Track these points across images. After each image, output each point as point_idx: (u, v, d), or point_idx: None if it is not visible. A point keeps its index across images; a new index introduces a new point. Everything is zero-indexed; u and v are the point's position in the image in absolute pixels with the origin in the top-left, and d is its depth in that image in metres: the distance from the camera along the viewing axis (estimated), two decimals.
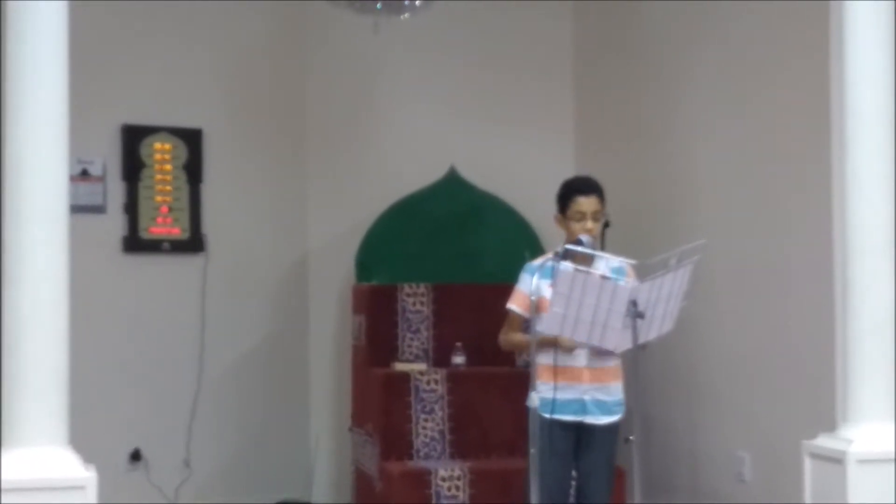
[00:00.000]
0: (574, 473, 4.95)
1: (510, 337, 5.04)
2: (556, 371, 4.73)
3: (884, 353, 4.89)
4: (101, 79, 6.63)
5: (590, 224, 4.87)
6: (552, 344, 4.69)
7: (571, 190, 4.96)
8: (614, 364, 4.90)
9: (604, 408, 4.88)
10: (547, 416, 4.65)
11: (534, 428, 4.40)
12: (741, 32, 6.29)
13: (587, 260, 4.73)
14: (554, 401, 4.72)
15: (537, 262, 4.96)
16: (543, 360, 4.70)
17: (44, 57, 4.23)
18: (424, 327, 6.81)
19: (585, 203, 4.90)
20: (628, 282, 4.62)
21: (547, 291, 4.53)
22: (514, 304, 4.97)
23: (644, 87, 7.09)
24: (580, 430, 4.87)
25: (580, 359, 4.82)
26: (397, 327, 6.79)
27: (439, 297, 6.84)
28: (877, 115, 4.91)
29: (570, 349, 4.75)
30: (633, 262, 4.60)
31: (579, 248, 4.69)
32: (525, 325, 4.99)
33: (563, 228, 4.97)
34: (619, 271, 4.83)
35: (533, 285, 4.44)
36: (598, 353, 4.80)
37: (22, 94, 4.22)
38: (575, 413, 4.83)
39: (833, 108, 5.32)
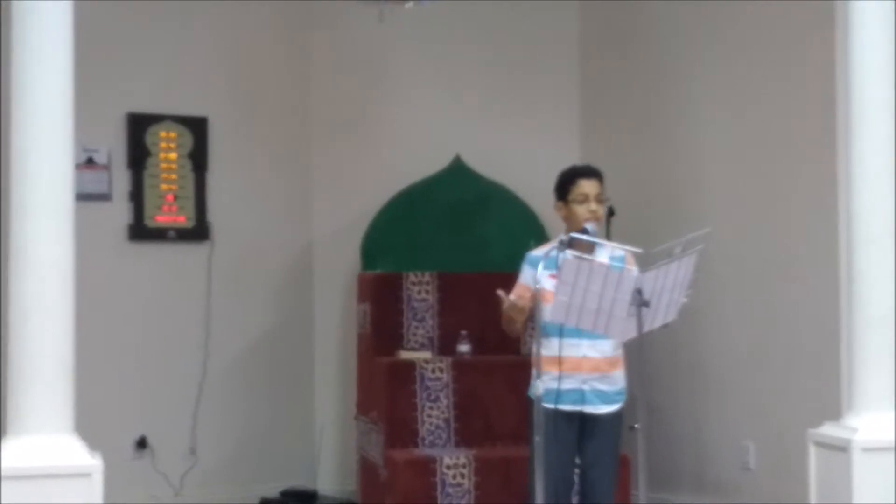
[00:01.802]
0: (578, 462, 4.95)
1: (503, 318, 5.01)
2: (569, 361, 4.73)
3: (888, 342, 4.89)
4: (106, 67, 6.63)
5: (594, 206, 4.83)
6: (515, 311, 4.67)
7: (572, 174, 4.92)
8: (616, 353, 4.89)
9: (604, 397, 4.86)
10: (551, 406, 4.64)
11: (538, 416, 4.40)
12: (747, 26, 6.29)
13: (588, 248, 4.72)
14: (558, 391, 4.71)
15: (537, 251, 4.94)
16: (548, 350, 4.69)
17: (49, 45, 4.24)
18: (429, 316, 6.81)
19: (588, 185, 4.86)
20: (630, 269, 4.61)
21: (548, 283, 4.53)
22: (514, 296, 4.95)
23: (650, 78, 7.08)
24: (582, 419, 4.86)
25: (582, 348, 4.80)
26: (402, 316, 6.79)
27: (444, 286, 6.84)
28: (882, 109, 4.92)
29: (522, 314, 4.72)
30: (638, 250, 4.59)
31: (585, 237, 4.68)
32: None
33: (564, 215, 4.93)
34: (618, 259, 4.82)
35: (538, 274, 4.44)
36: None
37: (28, 82, 4.23)
38: (574, 403, 4.81)
39: (839, 101, 5.33)
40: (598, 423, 4.87)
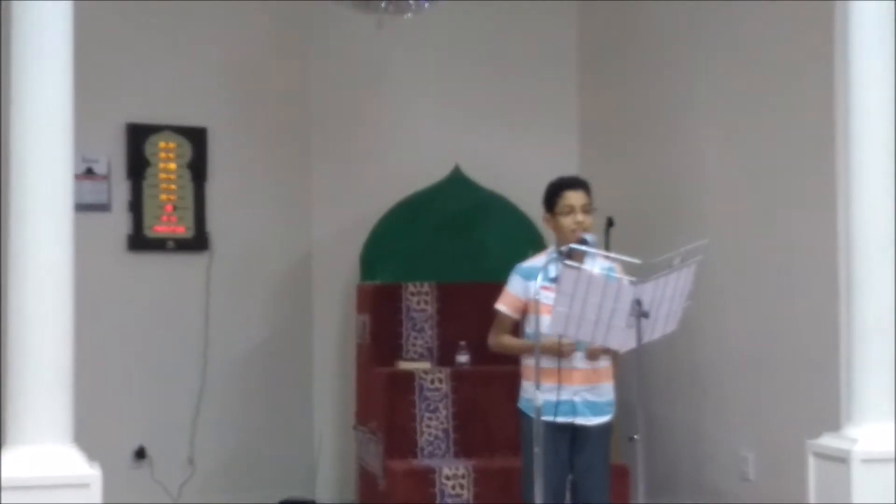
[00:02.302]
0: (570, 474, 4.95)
1: (503, 340, 4.98)
2: (560, 372, 4.73)
3: (888, 351, 4.88)
4: (105, 77, 6.64)
5: (580, 216, 4.84)
6: (554, 352, 4.67)
7: (558, 186, 4.93)
8: (605, 365, 4.89)
9: (594, 409, 4.87)
10: (549, 419, 4.65)
11: (538, 428, 4.40)
12: (746, 32, 6.29)
13: (580, 257, 4.72)
14: (557, 403, 4.72)
15: (527, 263, 4.96)
16: (546, 362, 4.69)
17: (49, 55, 4.24)
18: (428, 326, 6.81)
19: (574, 196, 4.87)
20: (620, 279, 4.61)
21: (543, 295, 4.53)
22: (503, 305, 4.93)
23: (648, 86, 7.08)
24: (574, 431, 4.87)
25: (574, 360, 4.80)
26: (401, 326, 6.79)
27: (443, 296, 6.84)
28: (882, 115, 4.91)
29: (569, 354, 4.74)
30: (637, 261, 4.59)
31: (584, 248, 4.69)
32: (515, 326, 4.97)
33: (552, 228, 4.95)
34: (608, 269, 4.83)
35: (535, 286, 4.44)
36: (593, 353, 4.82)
37: (27, 92, 4.23)
38: (566, 414, 4.82)
39: (838, 107, 5.33)
40: (590, 434, 4.88)
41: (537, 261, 4.87)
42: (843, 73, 5.10)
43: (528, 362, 4.78)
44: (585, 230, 4.82)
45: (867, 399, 4.90)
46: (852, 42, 4.96)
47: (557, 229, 4.89)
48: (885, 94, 4.92)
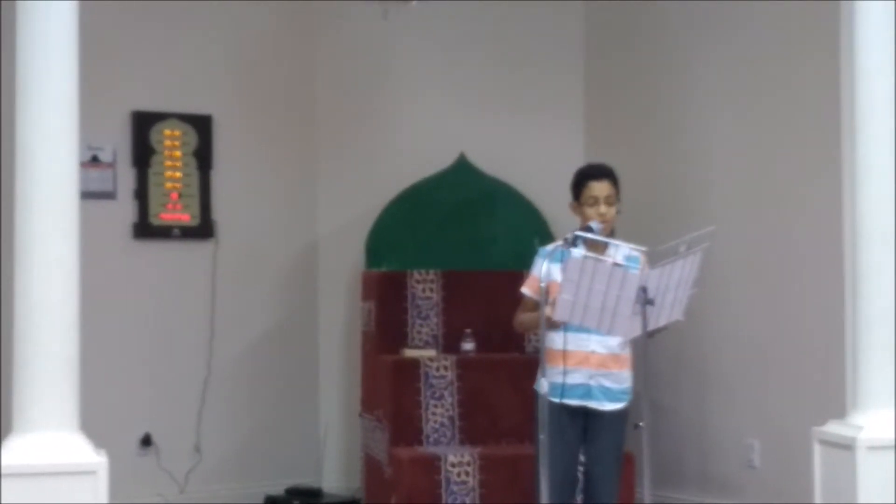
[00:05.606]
0: (582, 459, 4.96)
1: (519, 317, 5.05)
2: (566, 355, 4.74)
3: (893, 339, 4.89)
4: (111, 65, 6.63)
5: (603, 208, 4.87)
6: (550, 325, 4.69)
7: (584, 176, 4.98)
8: (624, 352, 4.90)
9: (609, 394, 4.88)
10: (556, 400, 4.66)
11: (543, 412, 4.41)
12: (753, 23, 6.29)
13: (601, 247, 4.73)
14: (563, 385, 4.73)
15: (551, 247, 4.97)
16: (553, 344, 4.71)
17: (54, 43, 4.24)
18: (434, 314, 6.81)
19: (598, 187, 4.91)
20: (644, 270, 4.61)
21: (558, 275, 4.54)
22: (526, 288, 4.98)
23: (655, 75, 7.08)
24: (587, 415, 4.88)
25: (590, 343, 4.81)
26: (407, 314, 6.79)
27: (449, 284, 6.84)
28: (887, 105, 4.93)
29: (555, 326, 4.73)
30: (643, 248, 4.60)
31: (588, 235, 4.69)
32: (537, 308, 4.98)
33: (578, 215, 4.98)
34: (632, 259, 4.83)
35: (543, 269, 4.45)
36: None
37: (33, 80, 4.24)
38: (580, 398, 4.84)
39: (843, 98, 5.33)
40: (603, 420, 4.89)
41: (557, 245, 4.87)
42: (848, 66, 5.12)
43: (547, 344, 4.76)
44: (608, 221, 4.86)
45: (873, 386, 4.91)
46: (858, 38, 4.97)
47: (581, 218, 4.93)
48: (890, 89, 4.93)
